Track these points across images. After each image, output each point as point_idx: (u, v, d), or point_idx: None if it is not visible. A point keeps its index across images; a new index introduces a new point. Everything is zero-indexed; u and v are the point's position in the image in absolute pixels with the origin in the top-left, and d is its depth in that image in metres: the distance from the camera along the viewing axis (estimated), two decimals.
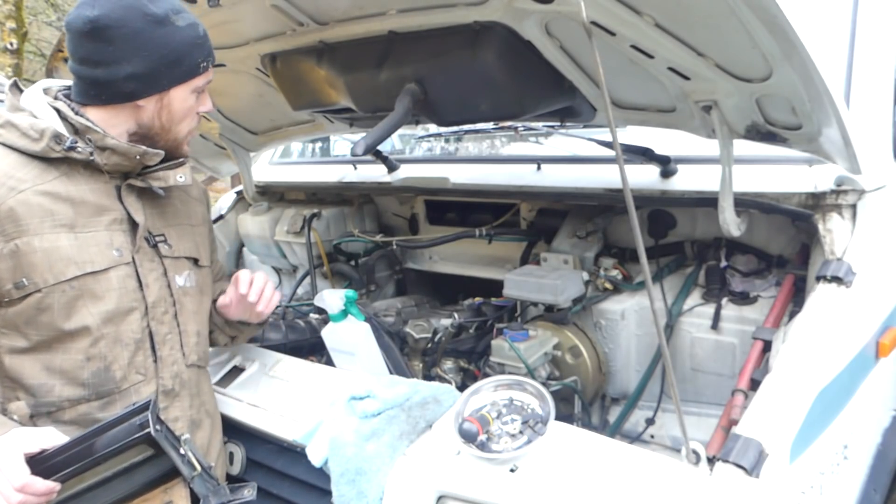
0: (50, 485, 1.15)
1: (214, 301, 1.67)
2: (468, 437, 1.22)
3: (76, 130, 1.34)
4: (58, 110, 1.35)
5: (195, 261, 1.54)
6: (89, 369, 1.34)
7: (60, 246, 1.31)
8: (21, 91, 1.40)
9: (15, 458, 1.14)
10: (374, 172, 2.66)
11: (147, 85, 1.34)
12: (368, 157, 2.60)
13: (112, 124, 1.36)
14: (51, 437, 1.20)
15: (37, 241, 1.29)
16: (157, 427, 1.18)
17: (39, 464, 1.16)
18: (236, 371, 1.75)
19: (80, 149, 1.32)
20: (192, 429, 1.48)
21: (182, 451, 1.24)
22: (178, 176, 1.45)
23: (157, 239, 1.46)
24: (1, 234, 1.28)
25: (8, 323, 1.32)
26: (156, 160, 1.40)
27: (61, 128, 1.33)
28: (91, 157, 1.33)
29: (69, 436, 1.21)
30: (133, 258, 1.40)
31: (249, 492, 1.30)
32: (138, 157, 1.37)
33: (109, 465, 1.21)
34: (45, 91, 1.40)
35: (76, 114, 1.34)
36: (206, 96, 1.46)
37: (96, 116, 1.36)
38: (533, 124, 2.44)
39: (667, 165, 1.91)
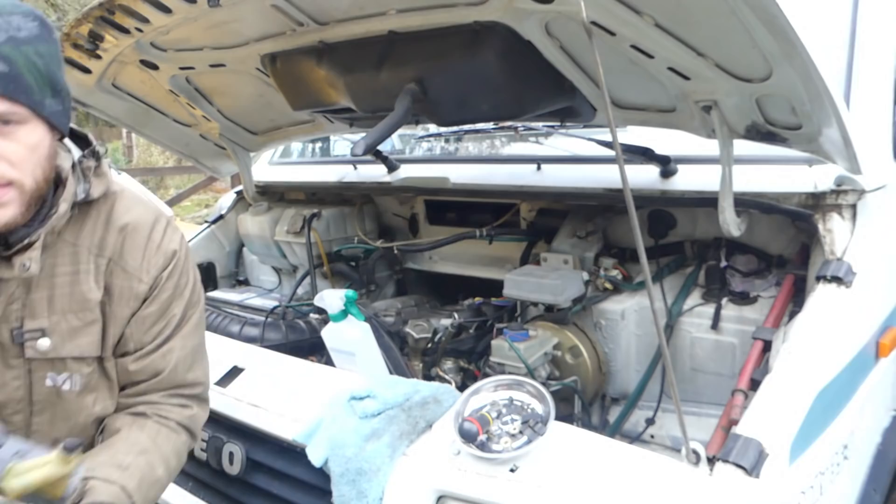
0: None
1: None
2: (468, 437, 1.22)
3: None
4: None
5: (95, 358, 1.21)
6: None
7: None
8: None
9: None
10: (374, 172, 2.66)
11: None
12: (368, 157, 2.59)
13: None
14: None
15: None
16: None
17: None
18: (236, 371, 1.75)
19: None
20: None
21: None
22: (23, 263, 1.08)
23: (28, 336, 1.15)
24: None
25: None
26: None
27: None
28: None
29: None
30: None
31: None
32: None
33: None
34: None
35: None
36: None
37: None
38: (533, 124, 2.43)
39: (667, 165, 1.91)
